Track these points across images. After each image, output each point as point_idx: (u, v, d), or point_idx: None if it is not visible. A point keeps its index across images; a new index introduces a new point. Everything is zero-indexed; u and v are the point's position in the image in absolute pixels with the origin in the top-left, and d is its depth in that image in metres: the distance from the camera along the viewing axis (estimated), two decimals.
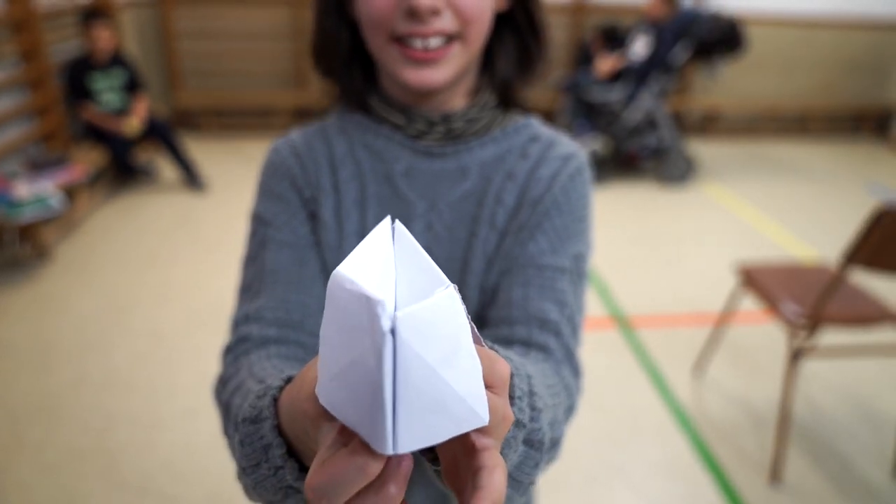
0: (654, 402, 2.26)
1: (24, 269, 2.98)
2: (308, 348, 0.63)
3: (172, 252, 3.21)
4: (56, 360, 2.34)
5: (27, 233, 2.97)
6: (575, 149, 0.70)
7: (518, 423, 0.43)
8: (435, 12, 0.56)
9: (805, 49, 5.76)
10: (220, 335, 2.48)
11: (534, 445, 0.47)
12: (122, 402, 2.14)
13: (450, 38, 0.59)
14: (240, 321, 0.64)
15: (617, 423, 2.14)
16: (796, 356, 1.90)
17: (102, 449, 1.95)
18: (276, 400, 0.44)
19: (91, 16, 3.71)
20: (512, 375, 0.43)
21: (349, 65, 0.66)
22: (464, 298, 0.63)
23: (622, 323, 2.74)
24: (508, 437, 0.43)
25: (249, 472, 0.45)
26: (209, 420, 2.07)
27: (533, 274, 0.63)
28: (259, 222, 0.67)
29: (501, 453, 0.41)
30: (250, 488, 0.46)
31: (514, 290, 0.63)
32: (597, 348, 2.53)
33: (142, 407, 2.13)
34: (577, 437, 2.06)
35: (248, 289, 0.65)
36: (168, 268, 3.04)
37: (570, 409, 0.59)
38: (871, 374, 2.44)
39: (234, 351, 0.61)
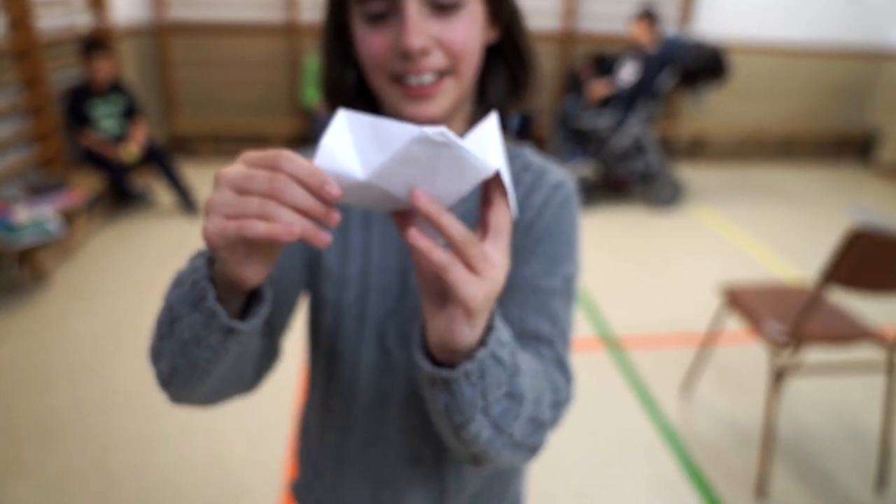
0: (642, 420, 2.30)
1: (23, 292, 3.01)
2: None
3: (168, 276, 3.23)
4: (54, 381, 2.37)
5: (26, 257, 3.02)
6: (564, 177, 0.76)
7: (499, 360, 0.50)
8: (425, 53, 0.61)
9: (788, 76, 5.91)
10: None
11: (514, 398, 0.53)
12: (119, 422, 2.17)
13: (442, 74, 0.64)
14: None
15: (606, 442, 2.19)
16: (779, 374, 1.96)
17: (100, 468, 1.97)
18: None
19: (91, 47, 3.79)
20: (496, 329, 0.50)
21: (356, 99, 0.72)
22: None
23: (611, 344, 2.79)
24: (493, 379, 0.50)
25: (181, 315, 0.51)
26: (206, 439, 2.11)
27: (529, 295, 0.69)
28: None
29: (485, 384, 0.50)
30: (163, 316, 0.54)
31: (512, 310, 0.69)
32: (587, 369, 2.58)
33: (139, 426, 2.16)
34: (568, 455, 2.10)
35: None
36: (163, 291, 3.08)
37: (556, 405, 0.65)
38: (853, 392, 2.49)
39: None
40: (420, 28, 0.60)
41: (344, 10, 0.66)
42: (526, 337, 0.68)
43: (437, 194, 0.44)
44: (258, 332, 0.57)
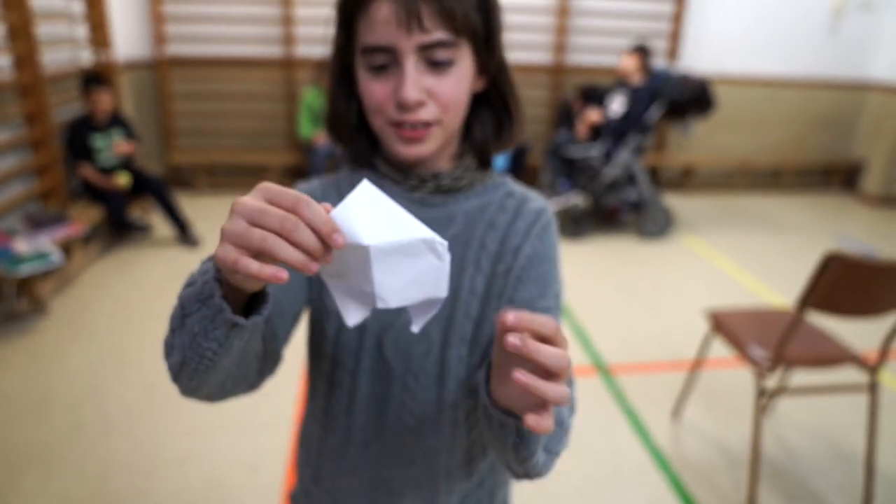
0: (634, 444, 2.34)
1: (21, 322, 3.05)
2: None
3: (165, 306, 3.27)
4: (52, 411, 2.40)
5: (24, 287, 3.05)
6: (543, 204, 0.84)
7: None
8: (419, 104, 0.70)
9: (773, 107, 6.07)
10: None
11: (560, 425, 0.67)
12: (116, 451, 2.20)
13: (431, 123, 0.73)
14: None
15: (599, 467, 2.22)
16: (765, 397, 2.01)
17: (98, 497, 1.99)
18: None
19: (92, 81, 3.89)
20: None
21: (358, 133, 0.81)
22: (455, 326, 0.79)
23: (603, 370, 2.83)
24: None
25: (191, 311, 0.57)
26: (202, 468, 2.13)
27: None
28: None
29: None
30: (177, 308, 0.59)
31: None
32: (579, 395, 2.62)
33: (136, 455, 2.18)
34: (562, 479, 2.13)
35: None
36: (160, 321, 3.11)
37: (571, 409, 0.74)
38: (839, 413, 2.54)
39: None
40: (416, 82, 0.69)
41: (350, 53, 0.75)
42: None
43: (399, 293, 0.50)
44: (260, 330, 0.64)
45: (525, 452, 0.61)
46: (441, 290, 0.52)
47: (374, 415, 0.82)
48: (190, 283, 0.58)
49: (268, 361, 0.74)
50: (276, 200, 0.48)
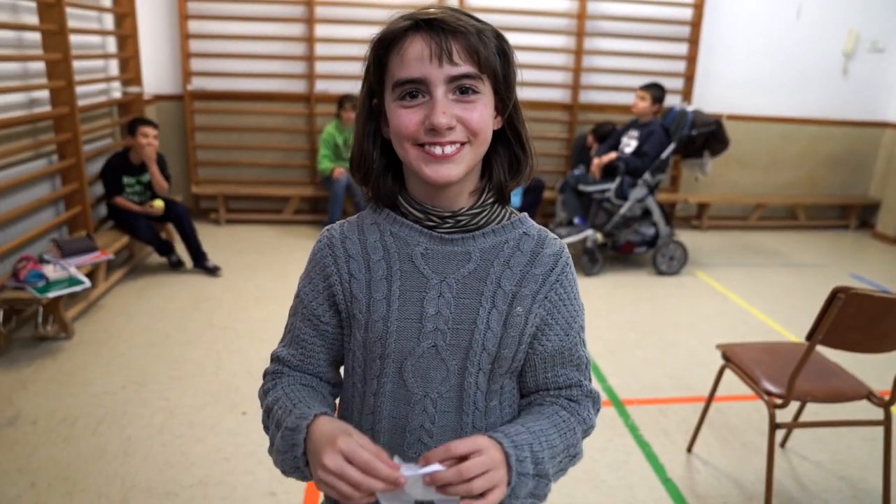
0: (648, 478, 2.34)
1: (46, 345, 3.13)
2: (313, 380, 0.97)
3: (186, 332, 3.36)
4: (75, 433, 2.45)
5: (50, 310, 3.14)
6: (560, 245, 0.90)
7: (525, 474, 0.79)
8: (450, 128, 0.77)
9: (787, 146, 6.11)
10: (231, 412, 2.60)
11: (542, 477, 0.82)
12: (137, 473, 2.24)
13: (462, 144, 0.79)
14: (276, 357, 0.96)
15: (613, 500, 2.22)
16: (777, 432, 2.01)
17: None
18: (308, 426, 0.79)
19: (138, 122, 4.04)
20: (509, 455, 0.78)
21: (385, 173, 0.87)
22: (472, 356, 0.87)
23: (617, 404, 2.84)
24: (520, 480, 0.79)
25: (281, 452, 0.81)
26: (221, 492, 2.16)
27: (557, 358, 0.89)
28: (298, 293, 0.94)
29: (514, 493, 0.80)
30: (277, 461, 0.84)
31: (546, 373, 0.90)
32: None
33: (156, 478, 2.22)
34: None
35: (287, 334, 0.96)
36: (182, 347, 3.19)
37: (587, 431, 0.90)
38: (855, 449, 2.53)
39: (271, 375, 0.95)
40: (446, 108, 0.76)
41: (380, 93, 0.82)
42: (560, 388, 0.90)
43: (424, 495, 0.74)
44: None
45: None
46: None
47: (395, 435, 0.87)
48: (283, 451, 0.82)
49: (334, 393, 0.96)
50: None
